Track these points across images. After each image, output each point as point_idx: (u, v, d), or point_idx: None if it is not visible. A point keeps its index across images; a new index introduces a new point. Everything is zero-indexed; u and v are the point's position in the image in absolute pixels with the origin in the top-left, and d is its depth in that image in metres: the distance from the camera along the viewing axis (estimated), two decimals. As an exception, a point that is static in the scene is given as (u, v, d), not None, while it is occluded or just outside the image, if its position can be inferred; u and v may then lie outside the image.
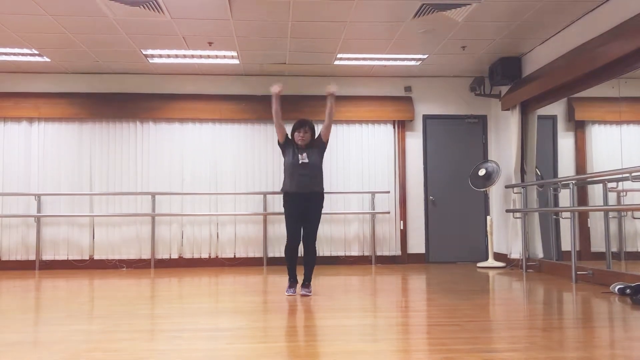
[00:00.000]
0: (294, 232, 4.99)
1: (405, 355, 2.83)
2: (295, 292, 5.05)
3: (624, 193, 5.37)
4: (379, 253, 8.01)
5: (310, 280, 5.09)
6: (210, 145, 7.97)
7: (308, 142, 5.05)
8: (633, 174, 4.65)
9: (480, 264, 7.59)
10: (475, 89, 8.06)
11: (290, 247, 5.02)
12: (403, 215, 8.09)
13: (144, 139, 7.91)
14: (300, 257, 5.09)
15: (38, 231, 7.63)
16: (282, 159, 7.91)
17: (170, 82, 8.01)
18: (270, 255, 7.85)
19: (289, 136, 5.15)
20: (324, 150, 5.17)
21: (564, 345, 3.00)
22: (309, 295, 4.92)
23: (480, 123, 8.33)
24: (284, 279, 6.04)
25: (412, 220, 8.13)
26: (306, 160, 5.00)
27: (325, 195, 5.20)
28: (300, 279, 5.18)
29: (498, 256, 7.86)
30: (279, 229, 7.86)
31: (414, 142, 8.22)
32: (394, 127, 8.20)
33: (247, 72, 7.96)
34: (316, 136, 5.15)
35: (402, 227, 8.08)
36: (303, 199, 4.98)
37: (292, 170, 5.00)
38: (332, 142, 8.06)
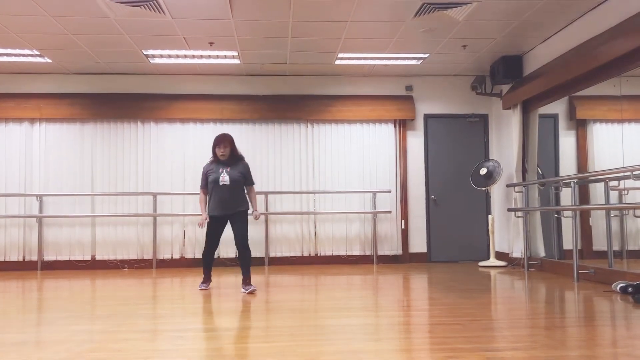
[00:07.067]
0: (212, 243, 5.30)
1: (407, 354, 2.83)
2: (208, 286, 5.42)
3: (626, 191, 5.37)
4: (380, 252, 8.01)
5: (249, 278, 5.25)
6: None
7: (228, 157, 5.26)
8: (635, 173, 4.64)
9: (481, 263, 7.59)
10: (476, 88, 8.06)
11: (208, 253, 5.34)
12: (404, 215, 8.08)
13: (146, 139, 7.91)
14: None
15: (40, 232, 7.64)
16: (282, 159, 8.04)
17: (171, 83, 8.01)
18: (272, 255, 7.85)
19: (207, 171, 5.38)
20: (247, 175, 5.33)
21: (566, 344, 3.00)
22: (251, 292, 5.11)
23: (481, 122, 8.33)
24: (286, 279, 6.06)
25: (414, 220, 8.12)
26: (227, 182, 5.17)
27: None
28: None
29: (500, 255, 7.85)
30: (280, 229, 7.86)
31: (415, 142, 8.21)
32: (395, 127, 8.19)
33: (248, 72, 7.96)
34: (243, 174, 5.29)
35: (403, 227, 8.07)
36: (225, 219, 5.27)
37: (215, 190, 5.21)
38: (333, 142, 8.08)
